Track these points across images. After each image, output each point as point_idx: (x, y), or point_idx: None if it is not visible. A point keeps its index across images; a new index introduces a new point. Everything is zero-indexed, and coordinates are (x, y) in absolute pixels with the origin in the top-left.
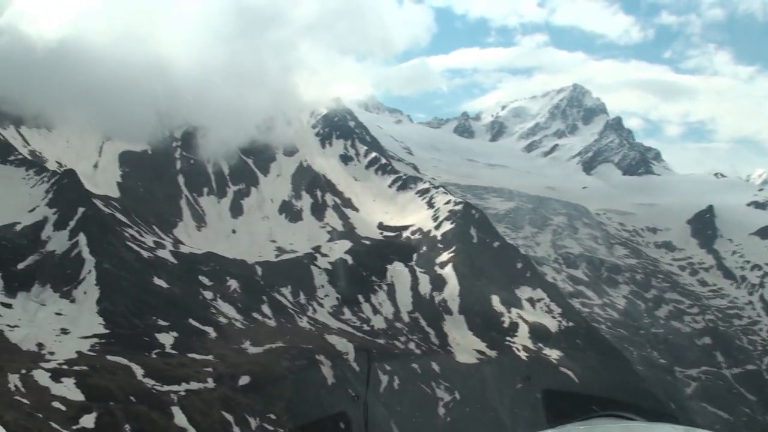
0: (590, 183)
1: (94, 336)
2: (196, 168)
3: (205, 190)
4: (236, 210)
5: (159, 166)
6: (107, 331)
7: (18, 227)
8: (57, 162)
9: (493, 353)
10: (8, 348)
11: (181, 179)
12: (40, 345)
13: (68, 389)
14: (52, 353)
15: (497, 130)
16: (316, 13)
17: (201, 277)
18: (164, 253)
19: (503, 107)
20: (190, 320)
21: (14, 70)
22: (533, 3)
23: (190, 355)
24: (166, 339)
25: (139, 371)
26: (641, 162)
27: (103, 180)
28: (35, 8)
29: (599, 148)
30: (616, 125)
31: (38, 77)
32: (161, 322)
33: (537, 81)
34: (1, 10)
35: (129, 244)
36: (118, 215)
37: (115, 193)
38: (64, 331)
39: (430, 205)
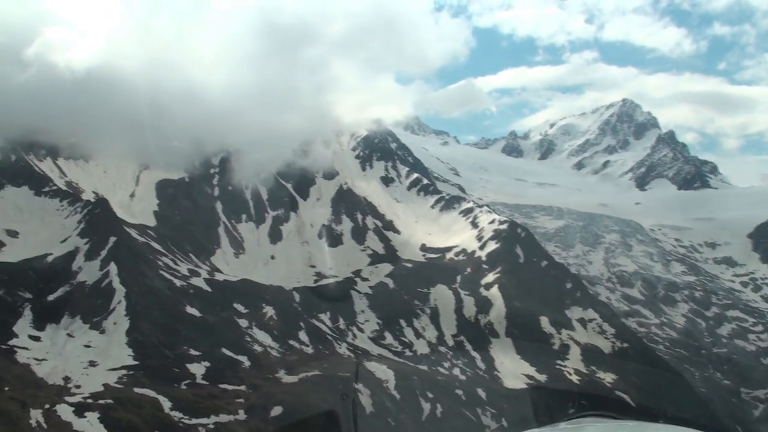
0: (644, 199)
1: (123, 368)
2: (233, 194)
3: (244, 216)
4: (275, 236)
5: (196, 194)
6: (136, 362)
7: (49, 258)
8: (94, 192)
9: (542, 377)
10: (34, 382)
11: (219, 206)
12: (66, 378)
13: (91, 424)
14: (78, 386)
15: (546, 148)
16: (348, 30)
17: (236, 305)
18: (198, 281)
19: (552, 125)
20: (223, 349)
21: (46, 101)
22: (581, 20)
23: (221, 385)
24: (198, 369)
25: (166, 404)
26: (697, 176)
27: (139, 209)
28: (63, 38)
29: (652, 163)
30: (669, 139)
31: (71, 107)
32: (193, 352)
33: (588, 98)
34: (30, 40)
35: (162, 272)
36: (153, 244)
37: (151, 221)
38: (92, 364)
39: (474, 224)
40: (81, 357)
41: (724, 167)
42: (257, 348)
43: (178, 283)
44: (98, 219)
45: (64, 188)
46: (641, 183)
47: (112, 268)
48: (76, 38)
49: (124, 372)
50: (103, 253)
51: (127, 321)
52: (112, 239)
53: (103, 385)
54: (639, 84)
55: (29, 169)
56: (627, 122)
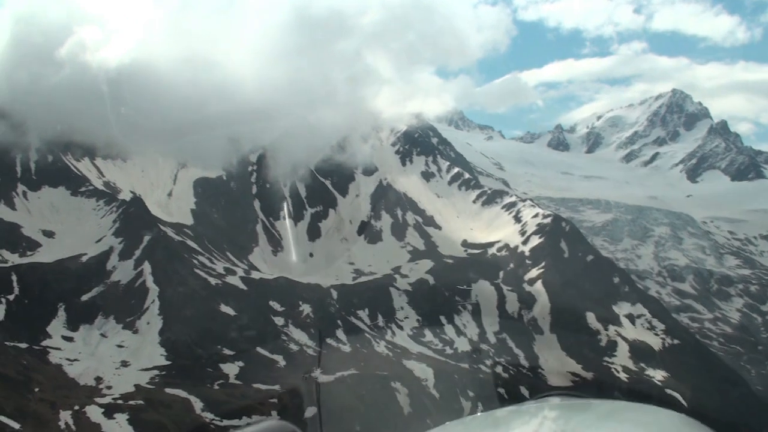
0: (695, 191)
1: (155, 368)
2: (271, 191)
3: (282, 213)
4: (313, 233)
5: (234, 192)
6: (168, 362)
7: (84, 258)
8: (131, 192)
9: (589, 375)
10: (65, 383)
11: (256, 203)
12: (98, 379)
13: (120, 426)
14: (109, 387)
15: (593, 141)
16: (384, 20)
17: (272, 303)
18: (234, 280)
19: (599, 117)
20: (258, 348)
21: (82, 101)
22: (629, 10)
23: (255, 385)
24: (231, 369)
25: (198, 404)
26: (751, 166)
27: (177, 208)
28: (97, 37)
29: (704, 154)
30: (722, 129)
31: (106, 106)
32: (226, 352)
33: (637, 90)
34: (64, 40)
35: (197, 271)
36: (189, 242)
37: (188, 220)
38: (125, 364)
39: (517, 219)
40: (113, 357)
41: None
42: (293, 347)
43: (213, 281)
44: (133, 218)
45: (101, 188)
46: (692, 175)
47: (146, 267)
48: (110, 37)
49: (156, 372)
50: (138, 252)
51: (160, 321)
52: (147, 238)
53: (135, 385)
54: (690, 74)
55: (66, 170)
56: (677, 113)
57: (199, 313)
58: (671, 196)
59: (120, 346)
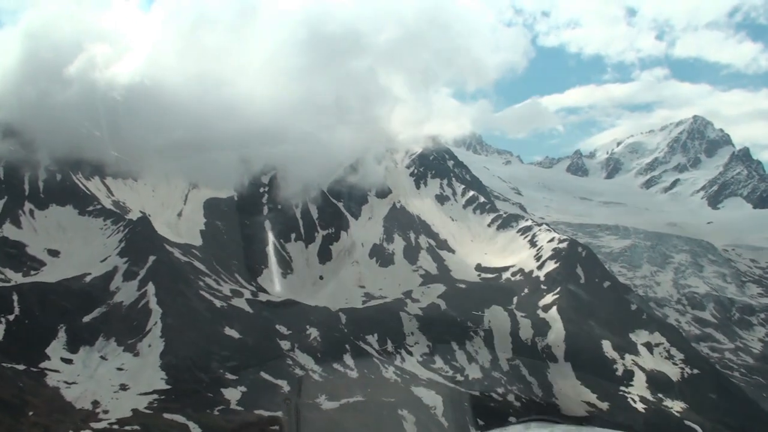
0: (716, 218)
1: (154, 392)
2: (282, 213)
3: (293, 235)
4: (324, 255)
5: (245, 213)
6: (168, 386)
7: (88, 278)
8: (141, 212)
9: (604, 405)
10: (61, 406)
11: (267, 225)
12: (95, 403)
13: None
14: (106, 411)
15: (612, 167)
16: (399, 39)
17: (278, 326)
18: (240, 302)
19: (618, 143)
20: (262, 373)
21: (91, 119)
22: (651, 37)
23: (256, 411)
24: (233, 394)
25: (196, 430)
26: None
27: (186, 228)
28: (107, 54)
29: (725, 181)
30: (744, 156)
31: (116, 125)
32: (229, 376)
33: (659, 116)
34: (73, 57)
35: (202, 293)
36: (197, 263)
37: (197, 241)
38: (123, 387)
39: (533, 243)
40: (112, 380)
41: None
42: (298, 371)
43: (218, 303)
44: (139, 238)
45: (110, 207)
46: (714, 202)
47: (150, 288)
48: (120, 54)
49: (155, 396)
50: (142, 272)
51: (162, 343)
52: (152, 258)
53: (132, 410)
54: (713, 101)
55: (74, 188)
56: (698, 139)
57: (203, 335)
58: (691, 223)
59: (120, 369)
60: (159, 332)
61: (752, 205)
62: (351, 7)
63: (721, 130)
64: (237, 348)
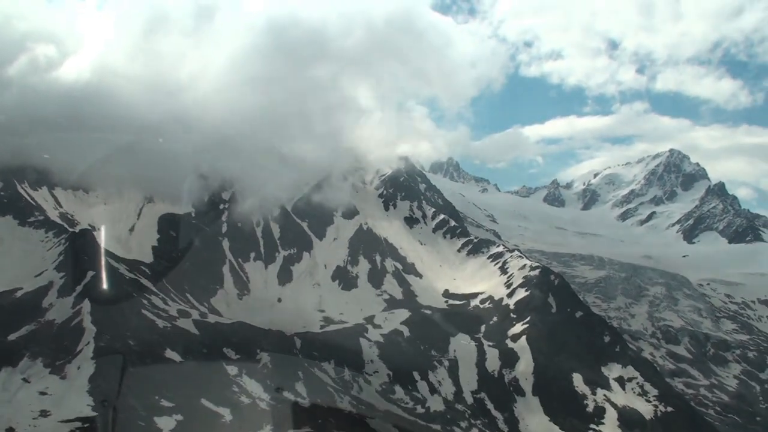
0: (692, 251)
1: (78, 419)
2: (242, 231)
3: (252, 255)
4: (285, 277)
5: (202, 230)
6: (94, 413)
7: (18, 293)
8: (90, 225)
9: None
10: None
11: (226, 243)
12: (9, 430)
13: None
14: None
15: (589, 198)
16: (367, 46)
17: (226, 350)
18: (186, 323)
19: (595, 175)
20: (202, 400)
21: (34, 124)
22: (632, 70)
23: None
24: (166, 423)
25: None
26: (749, 229)
27: (137, 244)
28: (52, 56)
29: (701, 215)
30: (719, 191)
31: (62, 132)
32: (165, 403)
33: (638, 149)
34: (10, 59)
35: (144, 312)
36: (144, 281)
37: (148, 257)
38: (44, 414)
39: (503, 270)
40: (32, 406)
41: None
42: (244, 399)
43: (161, 324)
44: (79, 252)
45: (55, 219)
46: (689, 235)
47: (86, 305)
48: (67, 56)
49: (77, 425)
50: (79, 288)
51: (92, 366)
52: (90, 274)
53: None
54: (692, 135)
55: (16, 198)
56: (674, 173)
57: (139, 358)
58: (667, 255)
59: (42, 393)
60: (90, 354)
61: (727, 240)
62: (316, 11)
63: (698, 164)
64: (176, 372)
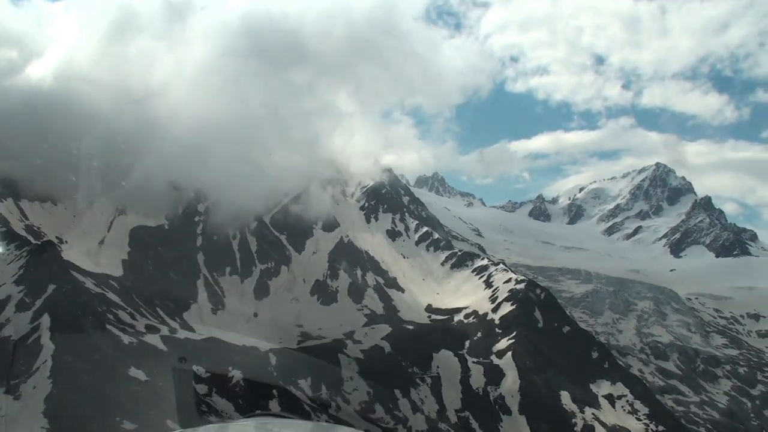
0: (679, 266)
1: None
2: (218, 244)
3: (228, 268)
4: (261, 291)
5: (176, 243)
6: None
7: None
8: (57, 238)
9: None
10: None
11: (200, 257)
12: None
13: None
14: None
15: (575, 212)
16: (346, 49)
17: (196, 368)
18: (153, 339)
19: (581, 189)
20: (168, 421)
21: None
22: (618, 86)
23: None
24: None
25: None
26: (736, 243)
27: (107, 257)
28: (9, 59)
29: (687, 229)
30: (706, 205)
31: (25, 142)
32: (126, 425)
33: (625, 164)
34: None
35: (110, 327)
36: (111, 295)
37: (117, 271)
38: None
39: (488, 284)
40: None
41: (765, 236)
42: (213, 419)
43: (126, 340)
44: (41, 265)
45: (20, 232)
46: (676, 250)
47: (45, 320)
48: (28, 59)
49: None
50: (38, 303)
51: (49, 385)
52: (51, 288)
53: None
54: (679, 150)
55: None
56: (660, 187)
57: (101, 377)
58: (654, 270)
59: None
60: (48, 372)
61: (714, 254)
62: (293, 12)
63: (684, 178)
64: (141, 392)
